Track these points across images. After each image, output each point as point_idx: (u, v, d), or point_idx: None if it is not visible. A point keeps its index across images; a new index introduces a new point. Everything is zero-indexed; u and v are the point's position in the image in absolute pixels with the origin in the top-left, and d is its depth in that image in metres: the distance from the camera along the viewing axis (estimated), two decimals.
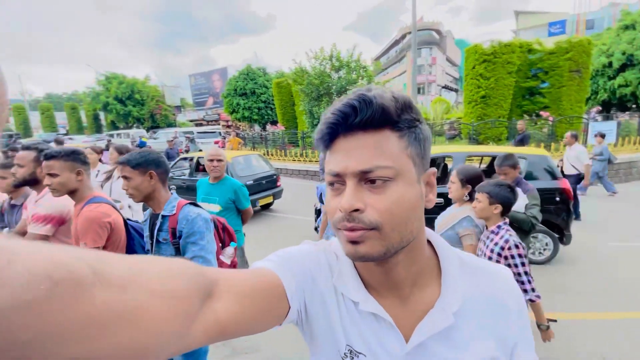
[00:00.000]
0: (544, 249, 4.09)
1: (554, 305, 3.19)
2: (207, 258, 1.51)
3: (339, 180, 0.46)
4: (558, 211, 4.08)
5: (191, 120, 36.13)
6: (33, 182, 2.05)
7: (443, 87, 44.17)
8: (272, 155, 14.20)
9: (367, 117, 0.43)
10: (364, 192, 0.45)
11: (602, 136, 7.03)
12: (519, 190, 2.65)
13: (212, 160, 2.69)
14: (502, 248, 1.71)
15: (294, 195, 8.38)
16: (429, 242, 0.56)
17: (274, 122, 21.51)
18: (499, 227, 1.79)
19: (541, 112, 11.84)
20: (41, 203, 1.95)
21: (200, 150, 12.12)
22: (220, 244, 1.82)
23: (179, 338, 0.34)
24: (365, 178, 0.44)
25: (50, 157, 1.64)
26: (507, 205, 1.77)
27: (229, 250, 1.87)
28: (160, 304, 0.32)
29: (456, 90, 44.84)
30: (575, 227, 4.21)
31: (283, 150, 13.76)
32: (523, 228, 2.60)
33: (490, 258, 1.73)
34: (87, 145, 6.23)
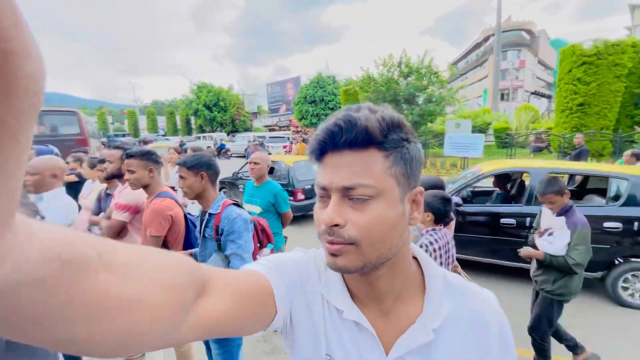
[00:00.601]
0: None
1: None
2: (243, 256, 1.61)
3: (325, 193, 0.48)
4: None
5: (265, 126, 38.87)
6: (119, 175, 2.45)
7: (532, 94, 39.33)
8: None
9: (351, 138, 0.46)
10: (346, 207, 0.46)
11: None
12: (560, 221, 2.30)
13: (250, 163, 2.88)
14: None
15: None
16: (415, 259, 0.57)
17: None
18: (427, 231, 2.01)
19: None
20: (123, 194, 2.32)
21: (270, 154, 12.90)
22: (258, 245, 1.93)
23: (170, 330, 0.35)
24: (348, 194, 0.46)
25: (129, 156, 1.95)
26: (437, 214, 1.99)
27: (266, 251, 1.96)
28: (158, 294, 0.33)
29: (549, 97, 39.46)
30: None
31: None
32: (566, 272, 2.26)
33: None
34: (174, 146, 7.14)
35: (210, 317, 0.40)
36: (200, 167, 1.72)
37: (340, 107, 20.16)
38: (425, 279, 0.55)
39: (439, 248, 1.90)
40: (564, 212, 2.30)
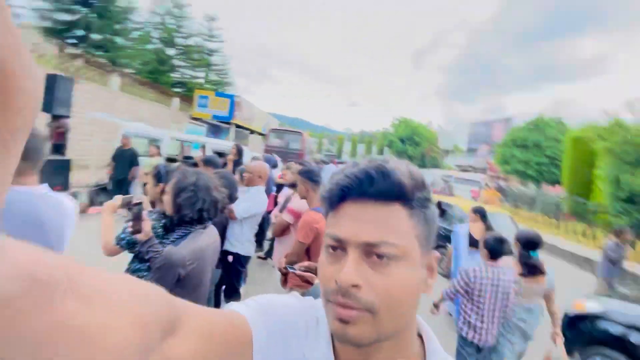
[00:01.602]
0: None
1: None
2: None
3: (340, 246, 0.44)
4: None
5: (458, 165, 36.43)
6: (296, 185, 3.03)
7: None
8: (538, 222, 11.51)
9: (382, 189, 0.42)
10: (365, 267, 0.42)
11: None
12: None
13: None
14: None
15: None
16: (420, 336, 0.51)
17: (554, 183, 17.25)
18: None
19: None
20: (294, 201, 2.85)
21: (453, 195, 11.93)
22: None
23: None
24: (369, 251, 0.42)
25: (299, 173, 2.41)
26: (490, 250, 2.39)
27: None
28: (122, 328, 0.30)
29: None
30: None
31: (557, 220, 10.79)
32: None
33: None
34: None
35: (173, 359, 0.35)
36: None
37: (562, 155, 15.97)
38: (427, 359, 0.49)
39: (481, 278, 2.28)
40: None
